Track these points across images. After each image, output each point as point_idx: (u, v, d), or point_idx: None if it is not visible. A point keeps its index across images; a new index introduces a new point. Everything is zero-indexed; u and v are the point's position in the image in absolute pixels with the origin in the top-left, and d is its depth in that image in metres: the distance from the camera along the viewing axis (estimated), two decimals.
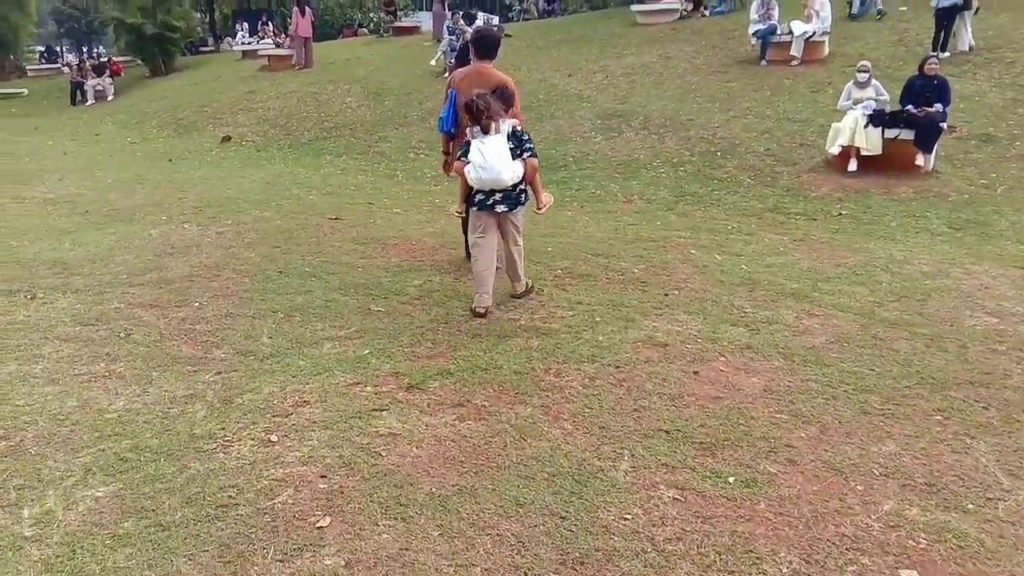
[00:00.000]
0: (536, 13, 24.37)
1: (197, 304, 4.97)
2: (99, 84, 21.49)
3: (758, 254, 6.66)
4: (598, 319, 4.83)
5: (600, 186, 9.99)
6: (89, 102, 21.11)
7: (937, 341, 4.51)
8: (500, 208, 4.73)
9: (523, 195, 4.86)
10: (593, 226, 7.89)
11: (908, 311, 5.08)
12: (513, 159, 4.61)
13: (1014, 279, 5.82)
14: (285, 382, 3.78)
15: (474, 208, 4.80)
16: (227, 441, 3.17)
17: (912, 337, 4.57)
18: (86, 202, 8.45)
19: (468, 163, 4.64)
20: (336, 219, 7.66)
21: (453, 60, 15.32)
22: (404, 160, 11.66)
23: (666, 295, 5.39)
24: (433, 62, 16.19)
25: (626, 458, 3.15)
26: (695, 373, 4.00)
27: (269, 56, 20.01)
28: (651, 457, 3.16)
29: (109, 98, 21.14)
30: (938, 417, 3.59)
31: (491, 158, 4.52)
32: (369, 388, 3.72)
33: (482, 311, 4.78)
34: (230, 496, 2.75)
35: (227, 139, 14.05)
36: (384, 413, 3.45)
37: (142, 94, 20.45)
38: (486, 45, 5.50)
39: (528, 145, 4.76)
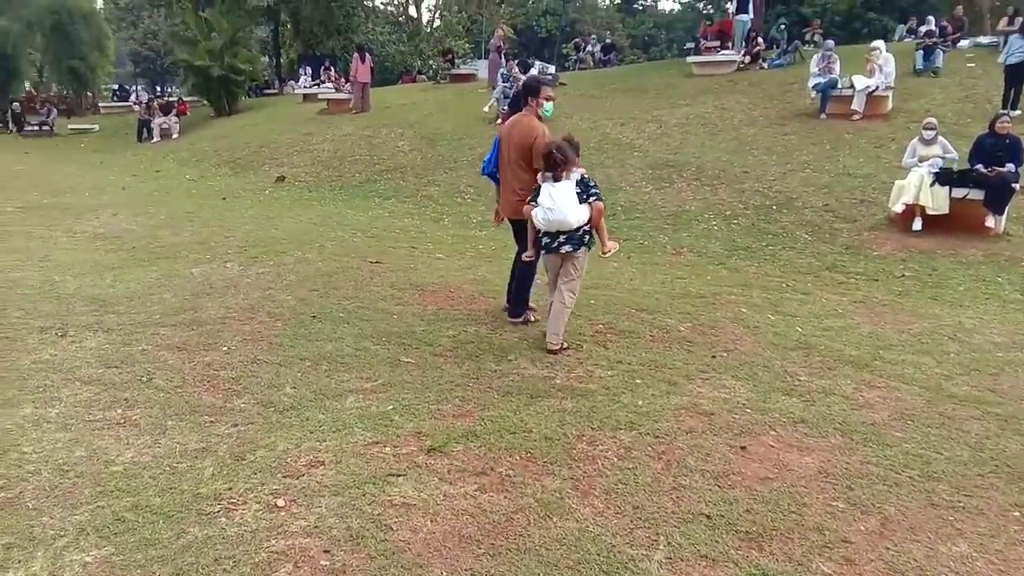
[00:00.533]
0: (592, 63, 24.43)
1: (225, 348, 4.85)
2: (165, 122, 22.22)
3: (814, 316, 6.29)
4: (638, 381, 4.54)
5: (648, 237, 9.73)
6: (155, 139, 21.82)
7: (1012, 423, 4.09)
8: (565, 249, 4.90)
9: (587, 236, 4.96)
10: (639, 279, 7.62)
11: (979, 386, 4.66)
12: (580, 203, 4.82)
13: None
14: (302, 438, 3.58)
15: (543, 251, 5.07)
16: (232, 503, 2.97)
17: (984, 417, 4.16)
18: (135, 238, 8.54)
19: (536, 206, 4.89)
20: (377, 263, 7.55)
21: (507, 107, 15.40)
22: (451, 205, 11.60)
23: (713, 357, 5.07)
24: (486, 108, 16.28)
25: (661, 546, 2.84)
26: (742, 448, 3.67)
27: (328, 100, 20.44)
28: (689, 546, 2.84)
29: (174, 136, 21.82)
30: (1016, 513, 3.19)
31: (559, 201, 4.77)
32: (388, 449, 3.50)
33: (554, 348, 4.98)
34: (224, 570, 2.54)
35: (281, 179, 14.25)
36: (400, 479, 3.21)
37: (205, 133, 21.05)
38: (523, 93, 5.52)
39: (594, 190, 4.93)
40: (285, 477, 3.20)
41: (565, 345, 5.04)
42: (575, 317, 5.74)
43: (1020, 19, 13.78)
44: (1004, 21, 15.24)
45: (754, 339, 5.53)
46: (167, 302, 5.92)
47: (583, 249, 4.95)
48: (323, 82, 24.89)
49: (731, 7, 19.56)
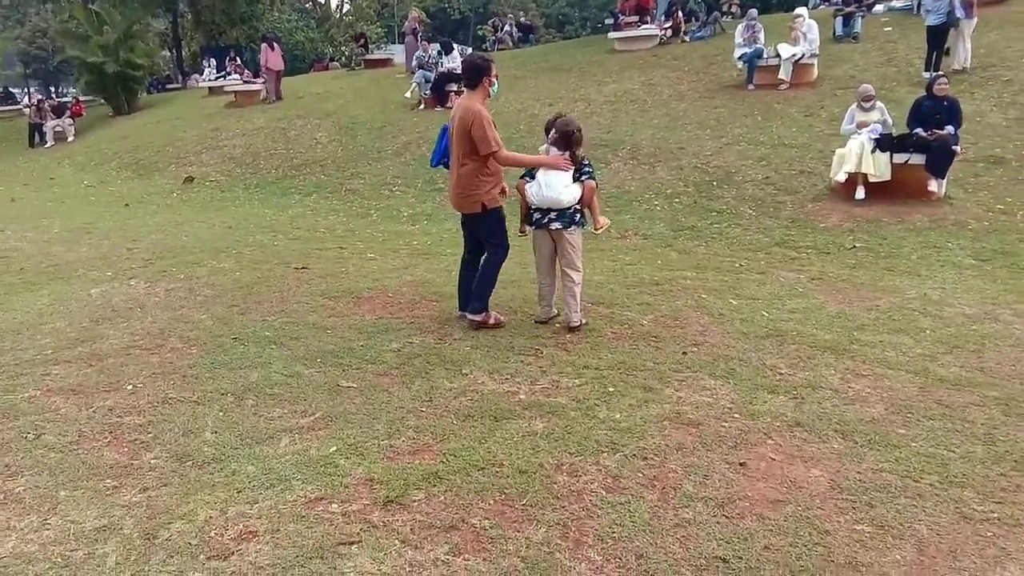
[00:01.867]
0: (511, 43, 23.88)
1: (130, 387, 4.14)
2: (59, 125, 20.58)
3: (776, 297, 5.96)
4: (611, 389, 4.07)
5: (591, 221, 9.27)
6: (48, 144, 20.19)
7: (1014, 407, 3.80)
8: (555, 225, 4.89)
9: (578, 214, 4.98)
10: (588, 267, 7.07)
11: (966, 366, 4.38)
12: (573, 182, 4.89)
13: None
14: (228, 501, 2.96)
15: (532, 227, 5.06)
16: None
17: (983, 403, 3.86)
18: (23, 257, 7.59)
19: (530, 182, 4.96)
20: (303, 268, 6.86)
21: (429, 92, 14.72)
22: (378, 198, 10.91)
23: (684, 353, 4.65)
24: (408, 94, 15.55)
25: None
26: (741, 465, 3.25)
27: (236, 92, 19.25)
28: None
29: (69, 139, 20.23)
30: None
31: (553, 178, 4.84)
32: (335, 506, 2.91)
33: (543, 320, 5.15)
34: None
35: (189, 180, 13.23)
36: (354, 548, 2.64)
37: (103, 134, 19.57)
38: (466, 74, 5.00)
39: (587, 169, 4.98)
40: (210, 559, 2.58)
41: (585, 321, 5.08)
42: (527, 318, 5.25)
43: None
44: None
45: (722, 329, 5.14)
46: (61, 332, 5.12)
47: (574, 227, 4.95)
48: (229, 73, 23.52)
49: None
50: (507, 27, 25.14)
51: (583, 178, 4.94)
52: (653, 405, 3.86)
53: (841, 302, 5.78)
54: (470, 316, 5.07)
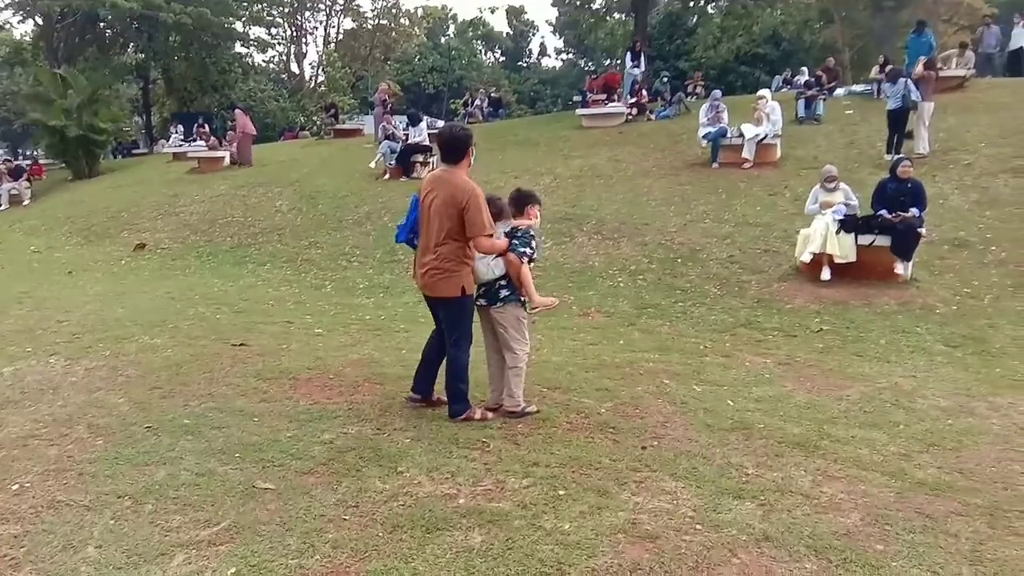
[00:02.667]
0: (481, 116, 24.11)
1: (16, 486, 3.64)
2: (14, 187, 20.03)
3: (742, 383, 5.65)
4: (561, 492, 3.66)
5: (553, 297, 8.98)
6: (2, 207, 19.62)
7: (999, 517, 3.47)
8: (480, 302, 4.65)
9: (503, 290, 4.61)
10: (548, 347, 6.82)
11: (945, 467, 4.06)
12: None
13: None
14: None
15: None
16: None
17: (967, 512, 3.51)
18: None
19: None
20: (241, 345, 6.42)
21: (393, 163, 14.58)
22: (334, 269, 10.54)
23: (644, 448, 4.28)
24: (372, 164, 15.38)
25: None
26: None
27: (200, 158, 18.98)
28: None
29: (25, 203, 19.69)
30: None
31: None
32: None
33: (491, 407, 4.78)
34: None
35: (141, 247, 12.76)
36: None
37: (60, 198, 19.08)
38: (448, 147, 4.51)
39: (515, 243, 4.56)
40: None
41: (537, 409, 4.78)
42: (478, 404, 4.85)
43: (889, 67, 14.28)
44: (875, 70, 15.84)
45: (685, 420, 4.79)
46: None
47: (500, 304, 4.61)
48: (195, 140, 23.33)
49: (628, 59, 19.65)
50: (478, 101, 25.43)
51: (510, 251, 4.54)
52: (607, 513, 3.45)
53: (810, 390, 5.48)
54: (453, 420, 4.61)
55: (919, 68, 12.60)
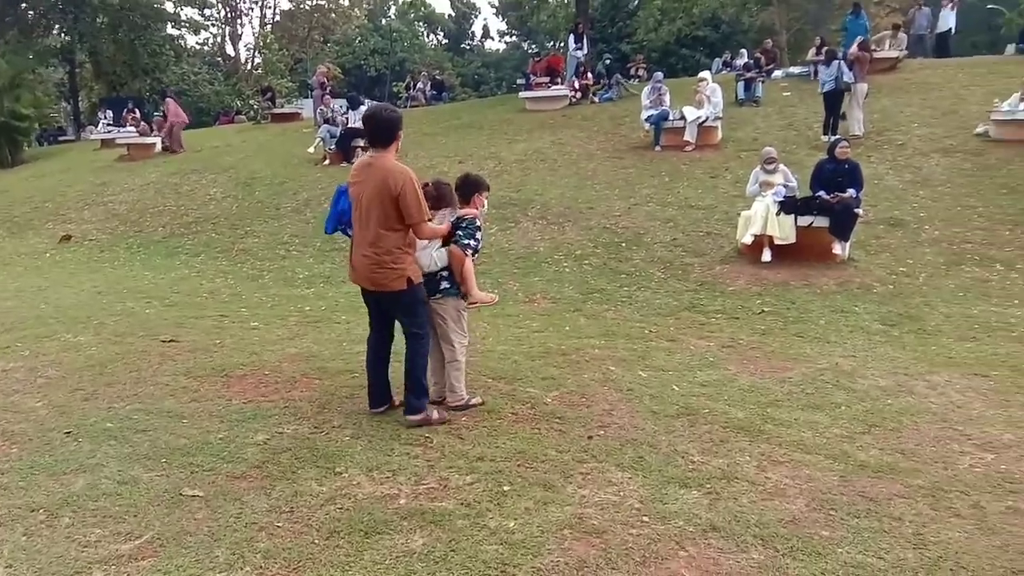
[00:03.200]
0: (424, 100, 23.74)
1: None
2: None
3: (686, 367, 5.64)
4: (506, 487, 3.56)
5: (497, 284, 8.86)
6: None
7: (941, 498, 3.50)
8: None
9: (444, 282, 4.45)
10: (492, 336, 6.71)
11: (886, 448, 4.09)
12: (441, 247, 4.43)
13: (983, 392, 5.00)
14: None
15: None
16: None
17: (909, 494, 3.54)
18: None
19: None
20: (172, 341, 6.13)
21: (333, 148, 14.20)
22: (273, 259, 10.21)
23: (590, 438, 4.21)
24: (311, 149, 14.98)
25: None
26: None
27: (129, 145, 18.20)
28: None
29: None
30: None
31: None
32: None
33: (435, 400, 4.61)
34: None
35: (67, 238, 12.16)
36: None
37: None
38: (376, 131, 4.18)
39: (460, 234, 4.41)
40: None
41: (471, 400, 4.63)
42: None
43: (825, 48, 14.49)
44: (812, 52, 16.07)
45: (630, 407, 4.74)
46: None
47: (439, 296, 4.45)
48: (125, 125, 22.37)
49: (571, 42, 19.52)
50: (420, 84, 25.03)
51: (454, 244, 4.39)
52: (553, 508, 3.37)
53: (753, 373, 5.50)
54: (408, 418, 4.34)
55: (854, 48, 12.81)
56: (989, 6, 31.57)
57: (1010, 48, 17.38)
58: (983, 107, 12.18)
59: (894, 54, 15.94)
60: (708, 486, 3.61)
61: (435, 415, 4.39)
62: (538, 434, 4.26)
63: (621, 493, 3.53)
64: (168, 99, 18.99)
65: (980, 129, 11.59)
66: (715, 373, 5.49)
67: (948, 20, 17.93)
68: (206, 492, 3.50)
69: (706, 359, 5.90)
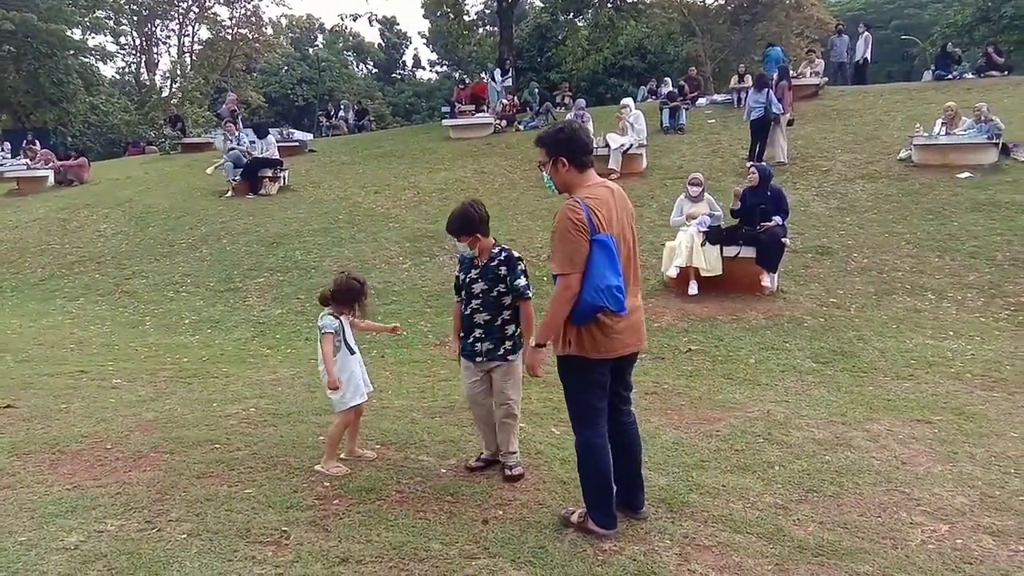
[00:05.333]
0: (346, 128, 22.98)
1: None
2: None
3: None
4: None
5: (407, 325, 8.11)
6: None
7: None
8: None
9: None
10: (394, 386, 6.00)
11: (827, 521, 3.51)
12: None
13: (927, 442, 4.51)
14: None
15: None
16: None
17: None
18: None
19: None
20: (8, 407, 5.20)
21: (237, 178, 13.32)
22: (159, 301, 9.23)
23: (485, 522, 3.52)
24: (210, 170, 14.03)
25: None
26: None
27: (18, 179, 16.82)
28: None
29: None
30: None
31: None
32: None
33: None
34: None
35: None
36: None
37: None
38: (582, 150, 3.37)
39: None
40: None
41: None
42: (278, 481, 3.95)
43: (749, 76, 14.41)
44: (735, 79, 16.01)
45: (537, 476, 4.09)
46: None
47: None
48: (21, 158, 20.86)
49: (498, 73, 19.21)
50: (342, 112, 24.27)
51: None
52: None
53: (678, 426, 4.90)
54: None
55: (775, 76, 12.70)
56: (903, 36, 32.78)
57: (927, 75, 17.71)
58: (904, 132, 12.16)
59: (815, 81, 16.01)
60: None
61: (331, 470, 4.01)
62: (423, 520, 3.54)
63: None
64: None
65: (903, 154, 11.51)
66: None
67: (863, 49, 18.21)
68: None
69: None
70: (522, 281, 3.89)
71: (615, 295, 3.05)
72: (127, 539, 3.33)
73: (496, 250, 3.99)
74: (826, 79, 16.52)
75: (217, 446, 4.48)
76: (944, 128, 11.29)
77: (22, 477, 4.04)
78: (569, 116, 13.67)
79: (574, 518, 3.41)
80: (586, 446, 3.31)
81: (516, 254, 4.01)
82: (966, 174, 10.60)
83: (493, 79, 20.07)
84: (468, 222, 3.94)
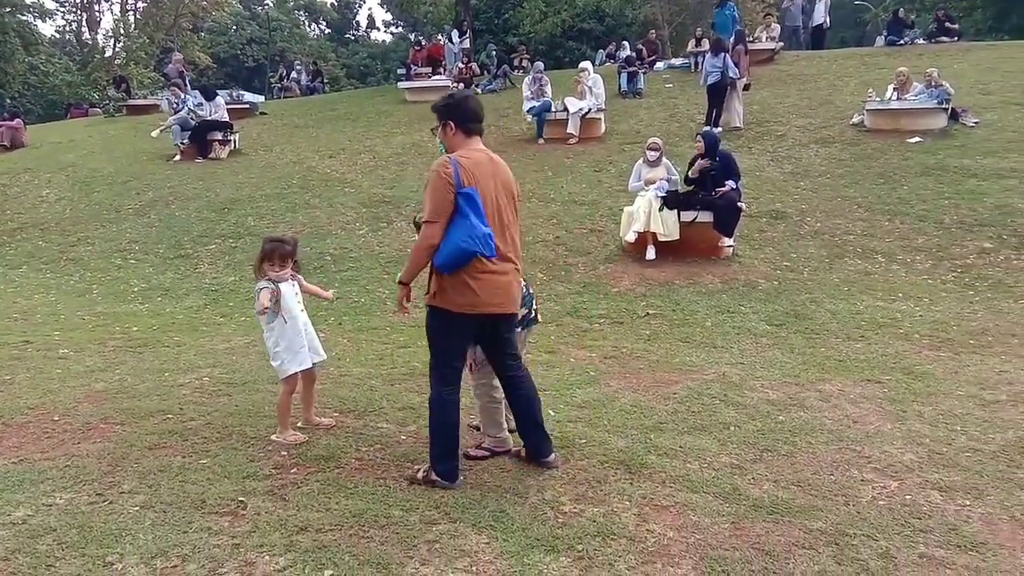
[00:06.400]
0: (299, 91, 22.39)
1: None
2: None
3: (565, 385, 5.05)
4: (328, 572, 2.80)
5: (365, 291, 8.06)
6: None
7: (845, 546, 2.99)
8: None
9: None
10: (351, 354, 5.92)
11: (781, 480, 3.59)
12: None
13: (877, 401, 4.63)
14: None
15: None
16: None
17: (810, 542, 3.02)
18: None
19: None
20: None
21: (186, 141, 12.91)
22: (106, 269, 8.96)
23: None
24: (155, 133, 13.58)
25: None
26: None
27: None
28: None
29: None
30: None
31: None
32: None
33: None
34: None
35: None
36: None
37: None
38: (475, 113, 3.58)
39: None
40: None
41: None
42: (234, 451, 3.88)
43: (706, 41, 14.38)
44: (692, 43, 15.98)
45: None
46: None
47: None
48: None
49: (456, 34, 18.86)
50: (295, 73, 23.64)
51: None
52: None
53: (636, 389, 4.95)
54: (553, 458, 3.73)
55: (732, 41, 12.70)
56: (856, 2, 33.03)
57: (880, 40, 17.88)
58: (857, 97, 12.31)
59: (770, 46, 16.07)
60: (579, 548, 2.98)
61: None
62: (382, 487, 3.52)
63: (474, 568, 2.84)
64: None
65: (856, 119, 11.67)
66: (596, 391, 4.91)
67: (821, 14, 18.30)
68: None
69: (587, 374, 5.32)
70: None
71: (487, 241, 3.29)
72: (77, 512, 3.24)
73: None
74: (781, 44, 16.58)
75: (170, 416, 4.38)
76: (896, 93, 11.46)
77: None
78: (527, 80, 13.52)
79: (420, 475, 3.54)
80: (437, 401, 3.52)
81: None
82: (916, 139, 10.81)
83: (450, 41, 19.75)
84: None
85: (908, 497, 3.40)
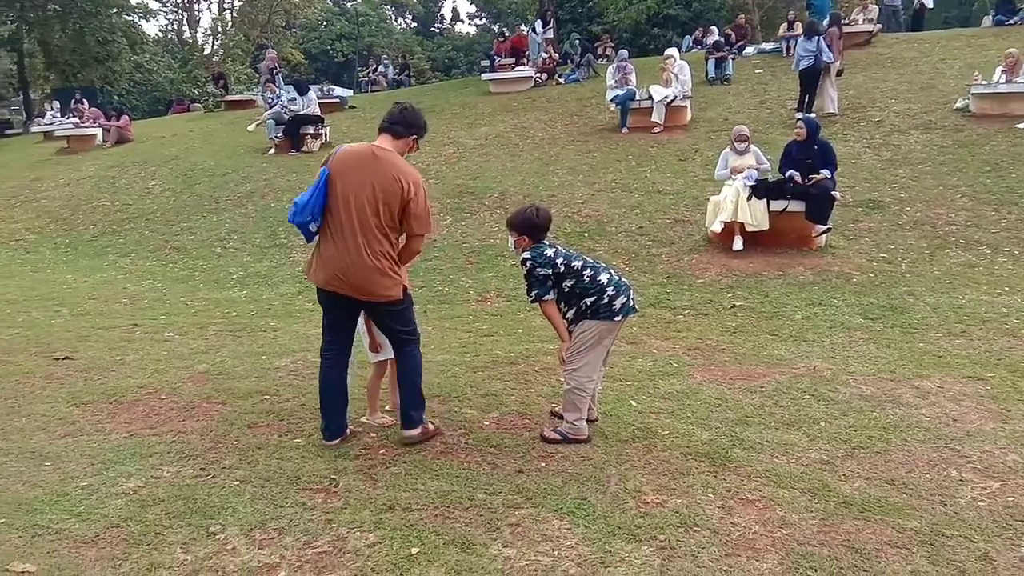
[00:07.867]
0: (386, 84, 22.88)
1: None
2: None
3: (647, 376, 5.01)
4: (415, 550, 2.91)
5: (449, 281, 8.21)
6: None
7: (941, 547, 2.87)
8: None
9: None
10: (436, 341, 6.04)
11: (874, 478, 3.47)
12: None
13: (979, 399, 4.41)
14: None
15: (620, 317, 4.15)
16: None
17: (903, 542, 2.92)
18: None
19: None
20: (66, 359, 5.40)
21: (280, 135, 13.40)
22: (207, 257, 9.43)
23: (520, 472, 3.56)
24: (251, 127, 14.13)
25: None
26: None
27: (68, 137, 17.20)
28: None
29: None
30: None
31: None
32: None
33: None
34: None
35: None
36: None
37: None
38: (398, 118, 3.77)
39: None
40: None
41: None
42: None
43: (799, 24, 13.90)
44: (784, 27, 15.47)
45: None
46: None
47: None
48: (71, 116, 21.29)
49: (539, 24, 18.87)
50: (382, 68, 24.15)
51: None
52: None
53: (721, 382, 4.87)
54: (406, 434, 3.88)
55: (832, 29, 12.22)
56: None
57: (987, 20, 16.83)
58: (961, 81, 11.65)
59: (868, 28, 15.37)
60: (662, 538, 2.97)
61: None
62: (467, 470, 3.60)
63: (556, 552, 2.88)
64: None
65: (960, 104, 11.04)
66: (679, 383, 4.86)
67: None
68: (40, 566, 2.80)
69: (670, 365, 5.27)
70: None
71: (296, 209, 3.62)
72: (183, 485, 3.46)
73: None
74: (879, 26, 15.82)
75: (267, 397, 4.59)
76: (1004, 76, 10.78)
77: (82, 425, 4.21)
78: (611, 68, 13.39)
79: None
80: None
81: (524, 256, 3.97)
82: None
83: (534, 31, 19.73)
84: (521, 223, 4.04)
85: (1011, 499, 3.23)
